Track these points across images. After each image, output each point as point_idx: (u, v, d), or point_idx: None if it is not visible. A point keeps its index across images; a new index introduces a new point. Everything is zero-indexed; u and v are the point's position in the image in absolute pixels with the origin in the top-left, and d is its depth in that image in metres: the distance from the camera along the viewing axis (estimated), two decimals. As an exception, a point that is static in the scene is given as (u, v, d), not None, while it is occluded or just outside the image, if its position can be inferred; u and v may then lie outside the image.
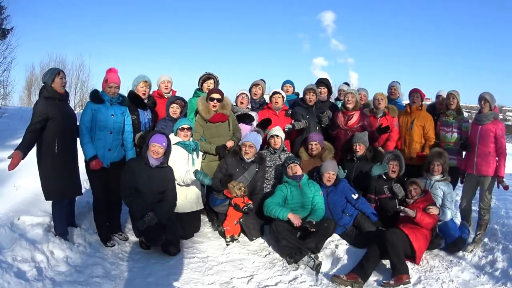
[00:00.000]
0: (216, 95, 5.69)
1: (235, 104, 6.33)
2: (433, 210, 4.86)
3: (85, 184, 5.49)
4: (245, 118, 6.11)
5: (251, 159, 5.59)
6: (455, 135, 5.92)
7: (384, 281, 4.32)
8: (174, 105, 5.70)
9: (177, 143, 5.32)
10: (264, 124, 6.08)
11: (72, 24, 63.76)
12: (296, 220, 4.88)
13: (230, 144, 5.73)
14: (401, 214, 4.83)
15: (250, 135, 5.65)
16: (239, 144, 5.68)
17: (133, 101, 5.47)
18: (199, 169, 5.36)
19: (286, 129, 6.02)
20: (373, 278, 4.47)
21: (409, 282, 4.31)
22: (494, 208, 6.38)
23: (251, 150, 5.54)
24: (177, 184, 5.30)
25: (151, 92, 6.04)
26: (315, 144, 5.91)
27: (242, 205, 5.29)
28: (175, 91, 6.42)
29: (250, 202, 5.35)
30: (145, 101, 5.65)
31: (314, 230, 4.86)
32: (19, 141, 4.48)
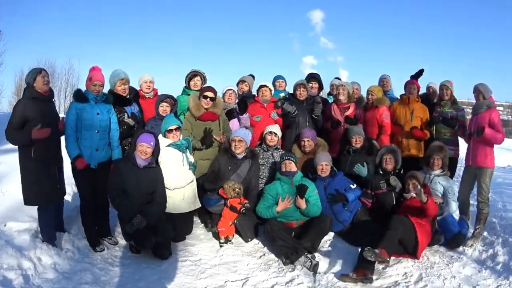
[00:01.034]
0: (210, 94, 5.59)
1: (222, 100, 6.20)
2: (438, 199, 4.70)
3: (73, 187, 5.36)
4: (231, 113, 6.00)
5: (242, 154, 5.46)
6: None
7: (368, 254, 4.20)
8: (164, 103, 5.56)
9: (169, 145, 5.16)
10: (242, 108, 5.95)
11: (62, 28, 63.38)
12: (282, 206, 4.97)
13: (219, 138, 5.64)
14: (411, 196, 4.82)
15: (239, 130, 5.54)
16: (229, 141, 5.53)
17: (117, 101, 5.30)
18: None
19: (272, 116, 6.06)
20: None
21: (388, 262, 4.32)
22: (491, 201, 6.25)
23: (242, 145, 5.40)
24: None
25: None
26: (308, 141, 5.78)
27: (239, 206, 5.15)
28: (157, 89, 6.26)
29: (247, 202, 5.23)
30: (127, 96, 5.52)
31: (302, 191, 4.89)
32: (7, 146, 4.37)
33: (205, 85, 6.07)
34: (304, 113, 6.16)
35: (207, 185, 5.34)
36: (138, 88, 6.15)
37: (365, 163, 5.62)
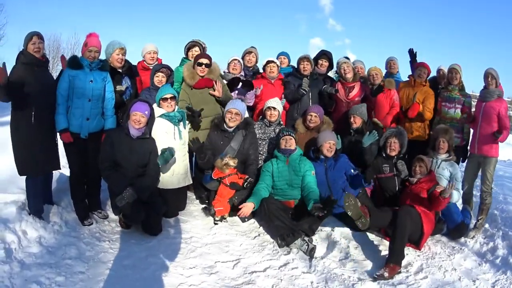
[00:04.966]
0: (204, 60, 5.33)
1: (227, 71, 6.05)
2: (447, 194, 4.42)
3: (65, 158, 5.13)
4: (245, 85, 5.76)
5: (234, 127, 5.20)
6: (458, 111, 5.64)
7: (377, 274, 3.95)
8: (159, 74, 5.32)
9: (160, 116, 4.93)
10: (246, 86, 5.76)
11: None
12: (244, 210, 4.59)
13: (217, 94, 5.38)
14: (417, 179, 4.82)
15: (236, 102, 5.25)
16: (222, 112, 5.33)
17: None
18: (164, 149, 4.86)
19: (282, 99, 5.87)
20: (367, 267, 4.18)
21: (400, 272, 4.04)
22: (493, 193, 6.10)
23: (237, 118, 5.16)
24: None
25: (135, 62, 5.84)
26: (315, 116, 5.54)
27: (240, 181, 4.88)
28: (161, 60, 6.05)
29: (248, 177, 4.96)
30: (120, 70, 5.20)
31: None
32: (6, 119, 4.37)
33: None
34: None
35: (201, 164, 5.13)
36: (141, 59, 5.98)
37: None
